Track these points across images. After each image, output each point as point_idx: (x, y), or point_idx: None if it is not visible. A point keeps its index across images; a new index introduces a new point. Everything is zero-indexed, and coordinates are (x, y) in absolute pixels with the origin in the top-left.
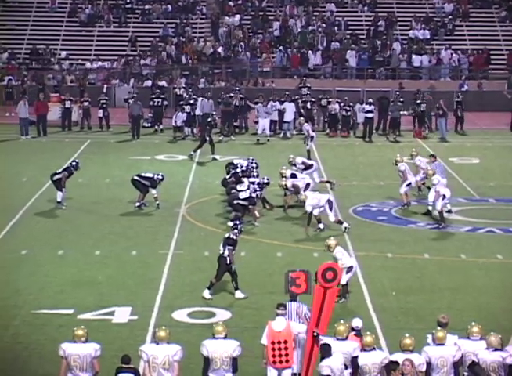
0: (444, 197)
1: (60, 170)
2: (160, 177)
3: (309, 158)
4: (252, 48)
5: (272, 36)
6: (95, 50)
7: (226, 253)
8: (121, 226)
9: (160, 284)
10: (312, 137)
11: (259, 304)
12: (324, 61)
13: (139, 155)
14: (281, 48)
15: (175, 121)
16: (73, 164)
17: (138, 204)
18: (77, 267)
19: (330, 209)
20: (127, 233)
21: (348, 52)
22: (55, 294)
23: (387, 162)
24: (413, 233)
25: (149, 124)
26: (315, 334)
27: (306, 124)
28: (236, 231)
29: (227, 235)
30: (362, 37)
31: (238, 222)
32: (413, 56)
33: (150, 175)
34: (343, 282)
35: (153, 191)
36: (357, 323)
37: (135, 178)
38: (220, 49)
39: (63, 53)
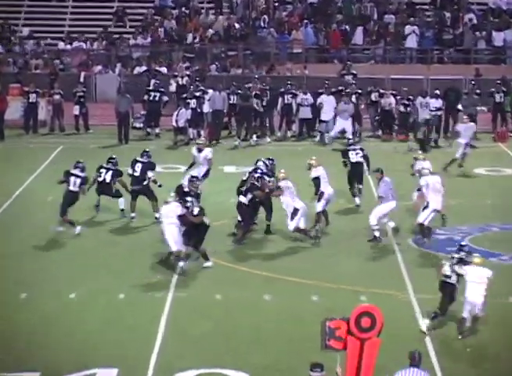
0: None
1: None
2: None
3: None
4: (278, 24)
5: (304, 6)
6: (70, 26)
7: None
8: (104, 259)
9: (157, 338)
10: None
11: (286, 364)
12: (374, 40)
13: (128, 166)
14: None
15: (176, 121)
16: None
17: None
18: (46, 315)
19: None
20: (111, 267)
21: (407, 27)
22: (16, 350)
23: (460, 173)
24: (494, 269)
25: (141, 125)
26: None
27: None
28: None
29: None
30: (425, 7)
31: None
32: (494, 33)
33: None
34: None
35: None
36: None
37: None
38: (236, 25)
39: (26, 30)
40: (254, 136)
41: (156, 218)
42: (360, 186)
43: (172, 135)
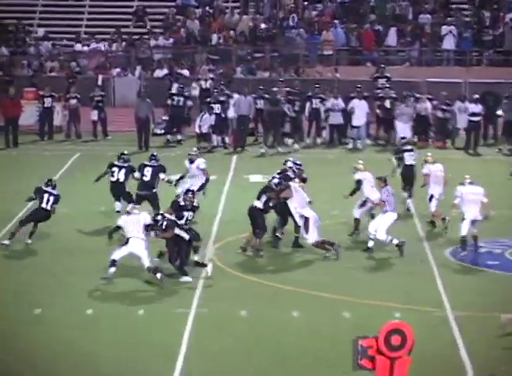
0: None
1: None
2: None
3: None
4: (307, 24)
5: (335, 5)
6: (87, 26)
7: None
8: (122, 274)
9: (178, 355)
10: None
11: None
12: (409, 41)
13: None
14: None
15: (199, 126)
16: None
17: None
18: (60, 332)
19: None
20: (128, 282)
21: (444, 27)
22: (36, 368)
23: (501, 183)
24: None
25: (162, 131)
26: None
27: None
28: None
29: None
30: (462, 7)
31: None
32: None
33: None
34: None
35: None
36: None
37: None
38: (262, 25)
39: (41, 31)
40: (290, 141)
41: None
42: (408, 192)
43: (195, 141)
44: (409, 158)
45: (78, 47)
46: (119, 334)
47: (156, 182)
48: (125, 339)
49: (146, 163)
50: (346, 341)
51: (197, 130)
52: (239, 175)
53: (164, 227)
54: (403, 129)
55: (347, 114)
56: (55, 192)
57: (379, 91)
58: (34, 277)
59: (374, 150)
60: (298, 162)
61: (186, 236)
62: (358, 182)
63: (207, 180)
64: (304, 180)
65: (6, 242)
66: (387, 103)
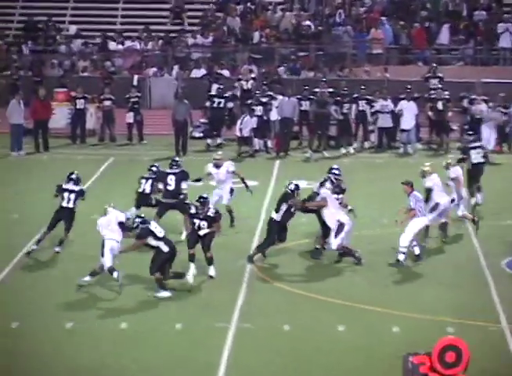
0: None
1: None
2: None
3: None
4: (355, 21)
5: (385, 2)
6: (121, 23)
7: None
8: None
9: (218, 372)
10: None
11: None
12: (464, 39)
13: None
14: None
15: (240, 129)
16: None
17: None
18: (94, 346)
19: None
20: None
21: (500, 25)
22: None
23: None
24: None
25: (201, 134)
26: None
27: None
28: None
29: None
30: None
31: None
32: None
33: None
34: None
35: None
36: None
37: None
38: (307, 22)
39: (73, 28)
40: (343, 150)
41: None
42: (477, 191)
43: (236, 145)
44: (475, 155)
45: (112, 45)
46: (156, 349)
47: (182, 189)
48: (163, 354)
49: (169, 171)
50: (395, 357)
51: (238, 133)
52: (282, 182)
53: (136, 234)
54: (489, 135)
55: (397, 117)
56: (76, 188)
57: (431, 92)
58: (64, 289)
59: (425, 154)
60: (337, 171)
61: (165, 249)
62: (429, 191)
63: (243, 180)
64: (342, 191)
65: (57, 249)
66: (440, 105)
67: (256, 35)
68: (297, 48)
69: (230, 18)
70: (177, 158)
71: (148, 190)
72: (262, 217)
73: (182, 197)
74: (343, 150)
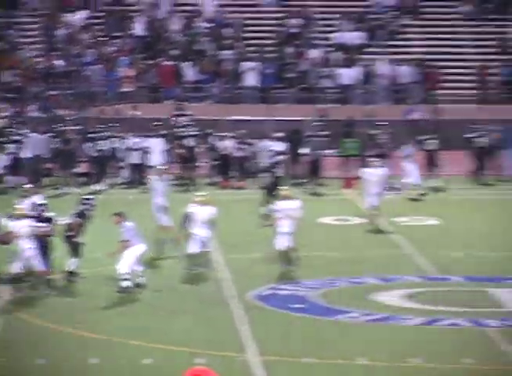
0: None
1: None
2: None
3: None
4: (105, 59)
5: (135, 40)
6: None
7: None
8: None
9: None
10: None
11: None
12: (209, 77)
13: None
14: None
15: None
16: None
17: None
18: None
19: None
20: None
21: (245, 64)
22: None
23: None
24: (343, 328)
25: None
26: None
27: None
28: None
29: None
30: (266, 42)
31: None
32: (339, 70)
33: None
34: None
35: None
36: None
37: None
38: (59, 61)
39: None
40: (95, 186)
41: None
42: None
43: None
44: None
45: None
46: None
47: None
48: None
49: None
50: None
51: None
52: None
53: None
54: (412, 170)
55: (146, 153)
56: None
57: (180, 129)
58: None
59: (176, 190)
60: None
61: None
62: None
63: None
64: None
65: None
66: (189, 142)
67: (7, 74)
68: (48, 87)
69: None
70: None
71: None
72: None
73: None
74: (95, 187)
